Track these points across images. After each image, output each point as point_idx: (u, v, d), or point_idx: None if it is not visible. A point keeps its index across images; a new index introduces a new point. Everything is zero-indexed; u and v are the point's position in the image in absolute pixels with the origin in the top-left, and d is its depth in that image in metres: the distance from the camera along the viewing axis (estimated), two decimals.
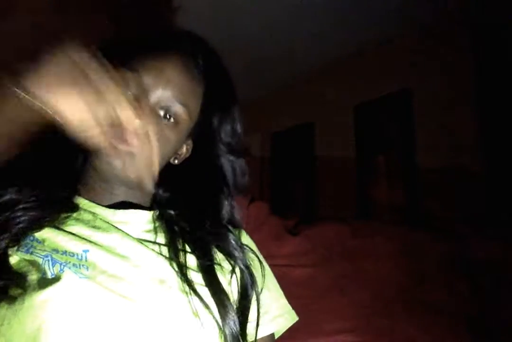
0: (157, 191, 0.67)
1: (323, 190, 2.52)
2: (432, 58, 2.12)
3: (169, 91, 0.62)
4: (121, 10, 1.99)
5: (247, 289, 0.62)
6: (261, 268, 0.68)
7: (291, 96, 2.84)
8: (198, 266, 0.60)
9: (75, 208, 0.61)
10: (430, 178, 2.00)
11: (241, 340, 0.57)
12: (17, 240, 0.55)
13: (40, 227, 0.57)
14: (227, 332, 0.56)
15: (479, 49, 1.98)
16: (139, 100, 0.60)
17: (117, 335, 0.51)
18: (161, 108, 0.62)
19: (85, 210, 0.62)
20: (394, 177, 2.19)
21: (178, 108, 0.63)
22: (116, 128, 0.57)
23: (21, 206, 0.56)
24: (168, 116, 0.63)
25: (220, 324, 0.56)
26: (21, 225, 0.55)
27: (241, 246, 0.66)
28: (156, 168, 0.63)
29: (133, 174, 0.60)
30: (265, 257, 0.72)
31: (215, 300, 0.57)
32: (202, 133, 0.69)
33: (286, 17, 2.14)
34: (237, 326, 0.57)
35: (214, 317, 0.56)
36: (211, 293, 0.57)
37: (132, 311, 0.53)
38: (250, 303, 0.62)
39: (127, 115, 0.56)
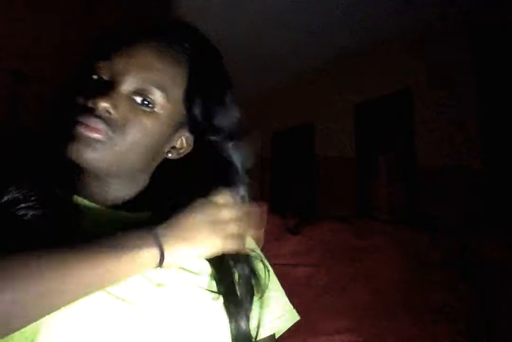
0: (167, 192, 0.65)
1: (323, 190, 2.52)
2: (432, 58, 2.12)
3: (142, 76, 0.59)
4: (121, 10, 2.00)
5: (251, 290, 0.62)
6: (264, 268, 0.67)
7: (291, 96, 2.84)
8: (202, 269, 0.59)
9: (75, 208, 0.61)
10: (430, 177, 2.01)
11: None
12: None
13: None
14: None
15: (479, 49, 1.99)
16: (110, 87, 0.59)
17: (115, 338, 0.51)
18: (136, 93, 0.59)
19: (84, 211, 0.61)
20: (394, 177, 2.20)
21: (155, 92, 0.59)
22: (85, 115, 0.57)
23: (22, 205, 0.56)
24: (146, 103, 0.60)
25: (221, 329, 0.56)
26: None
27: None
28: (134, 156, 0.61)
29: (105, 162, 0.59)
30: (266, 257, 0.72)
31: (216, 305, 0.57)
32: (196, 123, 0.67)
33: (286, 17, 2.14)
34: (238, 331, 0.57)
35: (215, 322, 0.56)
36: (213, 298, 0.57)
37: (131, 314, 0.52)
38: (252, 304, 0.62)
39: (97, 101, 0.56)
